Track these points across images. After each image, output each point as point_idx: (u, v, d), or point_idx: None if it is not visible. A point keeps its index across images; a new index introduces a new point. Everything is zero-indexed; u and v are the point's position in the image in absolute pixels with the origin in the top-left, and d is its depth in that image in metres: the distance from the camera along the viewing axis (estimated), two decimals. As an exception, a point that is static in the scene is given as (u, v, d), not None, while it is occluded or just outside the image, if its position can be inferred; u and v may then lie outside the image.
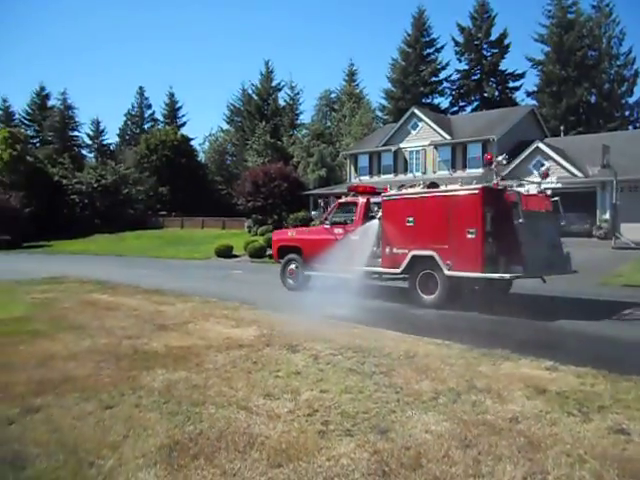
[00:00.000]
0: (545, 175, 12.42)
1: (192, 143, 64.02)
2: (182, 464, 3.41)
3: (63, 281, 14.81)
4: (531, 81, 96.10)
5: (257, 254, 27.07)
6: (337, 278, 11.30)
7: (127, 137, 76.96)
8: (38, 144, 69.77)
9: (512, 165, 29.41)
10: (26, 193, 45.49)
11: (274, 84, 69.60)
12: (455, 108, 59.63)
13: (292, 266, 13.33)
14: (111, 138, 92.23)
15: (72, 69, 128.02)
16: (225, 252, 28.67)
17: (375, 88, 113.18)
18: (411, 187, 11.63)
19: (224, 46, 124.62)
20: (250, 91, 69.80)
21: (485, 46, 57.54)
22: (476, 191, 9.73)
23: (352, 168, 40.94)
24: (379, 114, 60.31)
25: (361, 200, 12.29)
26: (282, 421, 4.10)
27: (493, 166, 10.56)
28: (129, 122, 79.08)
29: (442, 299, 10.11)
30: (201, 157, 66.51)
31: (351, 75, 66.61)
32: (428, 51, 59.71)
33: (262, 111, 66.71)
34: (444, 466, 3.32)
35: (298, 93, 70.03)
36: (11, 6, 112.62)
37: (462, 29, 57.69)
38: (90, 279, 15.30)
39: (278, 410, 4.33)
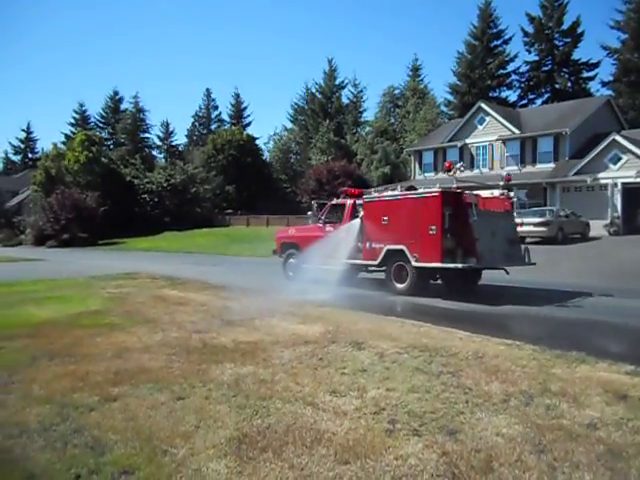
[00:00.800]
0: (508, 179, 13.54)
1: (257, 142, 65.11)
2: (251, 456, 3.47)
3: (136, 277, 15.41)
4: (607, 70, 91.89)
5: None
6: (327, 270, 12.78)
7: (195, 138, 79.28)
8: (112, 146, 73.05)
9: (586, 159, 28.13)
10: (101, 193, 47.59)
11: (338, 82, 69.70)
12: (524, 101, 57.54)
13: (291, 260, 14.88)
14: (180, 139, 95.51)
15: (143, 73, 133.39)
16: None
17: (440, 83, 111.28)
18: (392, 190, 13.26)
19: (289, 46, 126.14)
20: (314, 90, 70.24)
21: (556, 35, 55.09)
22: (436, 194, 11.25)
23: (416, 165, 40.39)
24: (444, 109, 59.12)
25: (348, 202, 13.88)
26: (349, 418, 4.09)
27: (452, 172, 12.11)
28: (197, 123, 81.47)
29: (411, 287, 11.67)
30: (266, 156, 67.50)
31: (415, 70, 65.62)
32: (495, 43, 57.87)
33: (326, 109, 66.97)
34: (517, 471, 3.21)
35: (361, 90, 69.82)
36: (88, 16, 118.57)
37: (532, 19, 55.54)
38: (161, 275, 15.86)
39: (344, 407, 4.33)
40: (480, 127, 36.54)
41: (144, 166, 57.66)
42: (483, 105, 36.92)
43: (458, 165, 12.48)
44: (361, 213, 13.05)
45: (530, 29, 55.98)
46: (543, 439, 3.65)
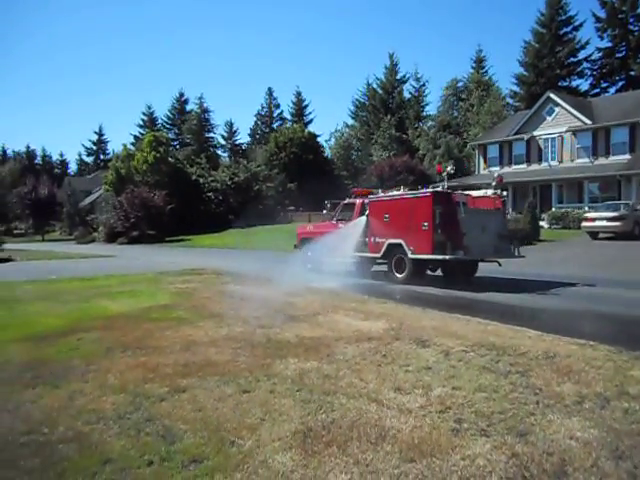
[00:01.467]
0: (500, 181, 14.55)
1: (318, 140, 65.50)
2: (316, 450, 3.49)
3: (201, 273, 15.83)
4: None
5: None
6: (338, 262, 14.63)
7: (257, 136, 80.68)
8: (178, 146, 75.51)
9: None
10: (168, 191, 49.15)
11: (399, 77, 69.08)
12: (596, 90, 55.07)
13: (309, 253, 16.27)
14: (243, 138, 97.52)
15: (208, 75, 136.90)
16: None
17: (505, 74, 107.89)
18: (396, 191, 14.68)
19: (350, 43, 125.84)
20: (375, 85, 69.92)
21: (631, 20, 52.25)
22: (428, 194, 12.69)
23: (481, 159, 39.43)
24: (510, 101, 57.45)
25: (358, 201, 15.53)
26: (413, 416, 4.04)
27: (444, 174, 13.92)
28: (259, 122, 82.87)
29: (409, 277, 13.07)
30: (327, 153, 67.73)
31: (479, 62, 64.04)
32: (564, 30, 55.56)
33: (387, 105, 66.47)
34: (593, 477, 3.06)
35: (424, 84, 68.89)
36: (154, 23, 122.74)
37: (604, 3, 52.90)
38: (225, 271, 16.22)
39: (409, 404, 4.28)
40: (549, 118, 35.20)
41: (209, 165, 59.21)
42: (552, 95, 35.53)
43: (449, 168, 14.35)
44: (367, 211, 14.58)
45: (602, 14, 53.47)
46: (621, 444, 3.46)
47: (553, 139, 34.80)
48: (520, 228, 25.87)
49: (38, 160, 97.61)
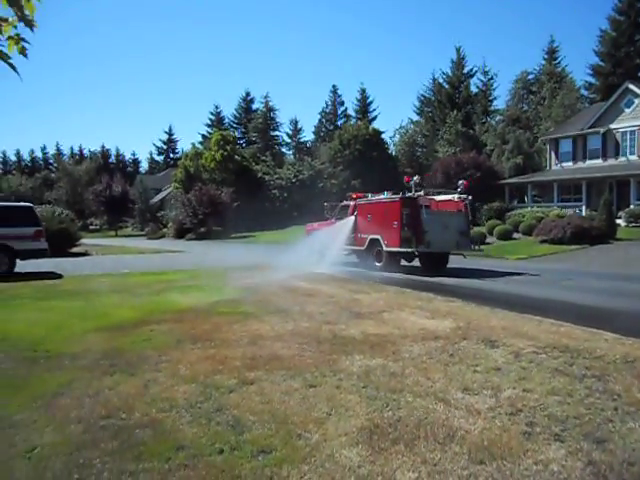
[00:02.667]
0: (466, 186, 16.89)
1: (383, 136, 64.88)
2: (383, 447, 3.48)
3: (266, 268, 16.08)
4: None
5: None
6: (335, 254, 17.76)
7: (322, 134, 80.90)
8: (244, 144, 76.90)
9: None
10: (234, 189, 50.27)
11: (466, 71, 67.30)
12: (681, 80, 51.59)
13: (315, 246, 18.97)
14: (307, 136, 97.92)
15: (273, 74, 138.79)
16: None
17: (580, 64, 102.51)
18: (380, 195, 17.81)
19: (415, 37, 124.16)
20: (441, 80, 68.51)
21: None
22: (397, 199, 16.06)
23: (552, 154, 37.91)
24: (584, 93, 54.83)
25: (352, 203, 18.64)
26: (482, 417, 3.95)
27: (411, 183, 16.44)
28: (323, 120, 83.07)
29: (385, 265, 16.18)
30: (392, 150, 67.07)
31: (551, 53, 61.47)
32: (645, 17, 52.41)
33: (453, 100, 65.00)
34: (678, 489, 2.90)
35: (492, 78, 66.78)
36: (221, 25, 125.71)
37: (688, -13, 49.52)
38: (288, 267, 16.38)
39: (478, 405, 4.19)
40: (627, 110, 33.35)
41: (274, 163, 60.05)
42: (631, 86, 33.59)
43: (415, 178, 16.84)
44: (356, 212, 18.08)
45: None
46: None
47: (632, 132, 32.92)
48: (594, 226, 24.73)
49: (112, 159, 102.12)
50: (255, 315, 8.12)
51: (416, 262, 17.41)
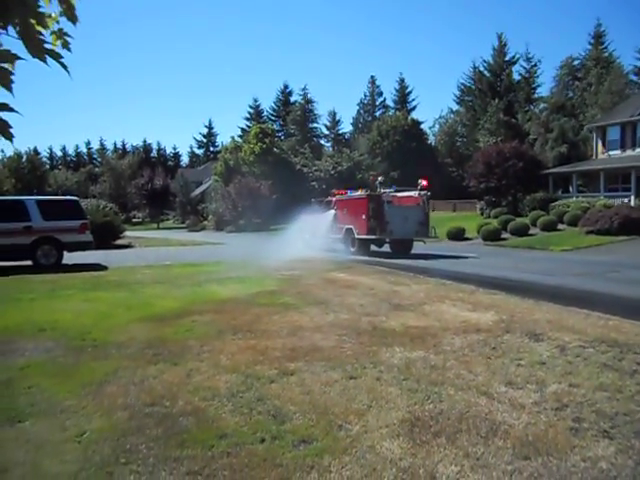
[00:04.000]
0: (425, 186, 20.09)
1: (422, 127, 64.13)
2: (424, 440, 3.45)
3: (305, 260, 16.15)
4: None
5: (491, 237, 26.12)
6: (320, 241, 21.60)
7: (360, 125, 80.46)
8: (283, 137, 77.11)
9: None
10: (273, 181, 50.53)
11: (508, 58, 65.65)
12: None
13: (306, 236, 22.74)
14: (346, 127, 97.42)
15: (311, 65, 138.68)
16: (457, 235, 28.24)
17: (628, 49, 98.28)
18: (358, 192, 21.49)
19: (454, 24, 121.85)
20: (482, 68, 67.06)
21: None
22: (364, 196, 19.77)
23: (599, 142, 36.63)
24: (633, 78, 52.70)
25: (333, 199, 22.68)
26: (527, 412, 3.86)
27: (376, 183, 20.78)
28: (362, 111, 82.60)
29: (358, 251, 19.38)
30: (431, 140, 66.21)
31: (598, 38, 59.33)
32: (701, -3, 50.03)
33: (495, 88, 63.57)
34: None
35: (535, 64, 64.98)
36: (258, 19, 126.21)
37: None
38: (328, 259, 16.44)
39: (522, 400, 4.10)
40: (680, 96, 31.91)
41: (312, 155, 60.05)
42: (684, 71, 32.15)
43: (380, 179, 21.55)
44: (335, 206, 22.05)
45: None
46: None
47: (685, 119, 31.54)
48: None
49: (154, 153, 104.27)
50: (295, 306, 8.16)
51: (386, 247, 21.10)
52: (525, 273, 13.32)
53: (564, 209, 30.17)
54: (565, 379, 4.54)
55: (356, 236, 19.51)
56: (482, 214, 36.54)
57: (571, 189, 37.11)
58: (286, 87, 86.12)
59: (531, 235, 26.77)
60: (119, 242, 27.02)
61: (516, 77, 65.42)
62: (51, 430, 3.68)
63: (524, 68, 65.62)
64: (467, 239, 27.97)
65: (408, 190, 21.44)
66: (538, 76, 65.70)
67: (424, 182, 20.21)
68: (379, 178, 21.16)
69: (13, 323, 7.13)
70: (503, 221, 28.68)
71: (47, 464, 3.22)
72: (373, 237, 19.18)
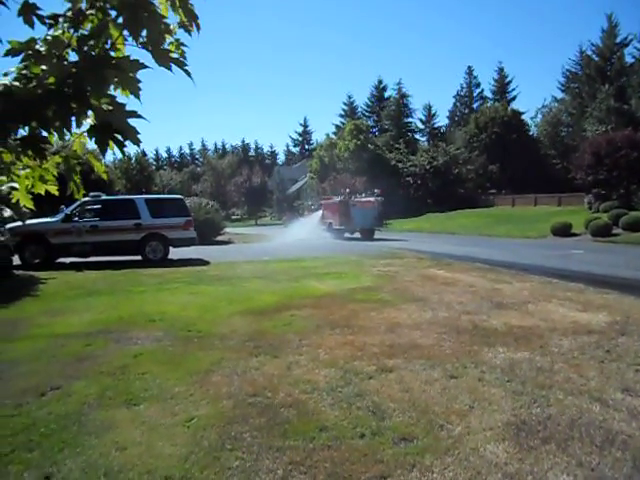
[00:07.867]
0: (380, 193, 30.13)
1: (523, 117, 61.24)
2: (532, 445, 3.29)
3: (402, 256, 15.96)
4: None
5: (601, 232, 24.41)
6: (316, 230, 30.88)
7: (456, 118, 78.28)
8: (377, 133, 76.68)
9: None
10: (368, 178, 50.49)
11: (619, 40, 60.85)
12: None
13: (308, 227, 32.04)
14: (441, 121, 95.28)
15: (406, 60, 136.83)
16: (562, 230, 26.64)
17: None
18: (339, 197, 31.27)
19: (557, 8, 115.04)
20: (589, 52, 62.77)
21: None
22: (337, 201, 29.70)
23: None
24: None
25: (323, 202, 33.15)
26: (648, 421, 3.57)
27: (346, 191, 31.14)
28: (458, 103, 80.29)
29: (335, 236, 29.02)
30: (533, 131, 63.09)
31: None
32: None
33: (604, 72, 59.19)
34: None
35: (651, 45, 59.81)
36: (350, 17, 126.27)
37: None
38: (427, 255, 16.15)
39: (642, 408, 3.79)
40: None
41: (407, 150, 59.27)
42: None
43: (347, 190, 31.48)
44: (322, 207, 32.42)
45: None
46: None
47: None
48: None
49: (251, 152, 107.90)
50: (392, 303, 8.08)
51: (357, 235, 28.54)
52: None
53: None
54: (692, 388, 4.15)
55: (334, 227, 29.57)
56: (590, 208, 34.22)
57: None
58: (380, 82, 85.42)
59: (646, 231, 24.72)
60: (220, 238, 28.15)
61: (629, 60, 60.41)
62: (163, 414, 3.90)
63: (638, 50, 60.63)
64: (574, 235, 26.32)
65: (368, 196, 30.35)
66: (655, 57, 60.45)
67: (378, 191, 30.49)
68: (347, 190, 31.70)
69: (127, 314, 7.64)
70: (614, 215, 26.64)
71: (160, 445, 3.42)
72: (343, 227, 28.75)
